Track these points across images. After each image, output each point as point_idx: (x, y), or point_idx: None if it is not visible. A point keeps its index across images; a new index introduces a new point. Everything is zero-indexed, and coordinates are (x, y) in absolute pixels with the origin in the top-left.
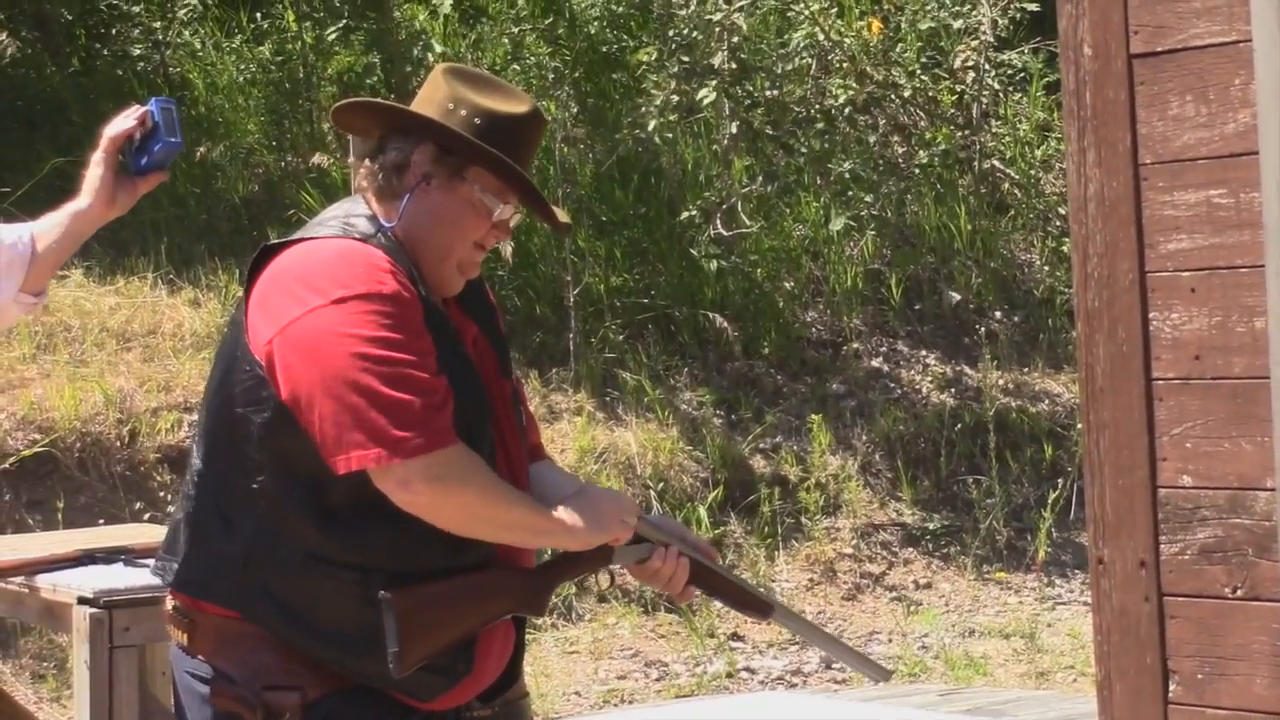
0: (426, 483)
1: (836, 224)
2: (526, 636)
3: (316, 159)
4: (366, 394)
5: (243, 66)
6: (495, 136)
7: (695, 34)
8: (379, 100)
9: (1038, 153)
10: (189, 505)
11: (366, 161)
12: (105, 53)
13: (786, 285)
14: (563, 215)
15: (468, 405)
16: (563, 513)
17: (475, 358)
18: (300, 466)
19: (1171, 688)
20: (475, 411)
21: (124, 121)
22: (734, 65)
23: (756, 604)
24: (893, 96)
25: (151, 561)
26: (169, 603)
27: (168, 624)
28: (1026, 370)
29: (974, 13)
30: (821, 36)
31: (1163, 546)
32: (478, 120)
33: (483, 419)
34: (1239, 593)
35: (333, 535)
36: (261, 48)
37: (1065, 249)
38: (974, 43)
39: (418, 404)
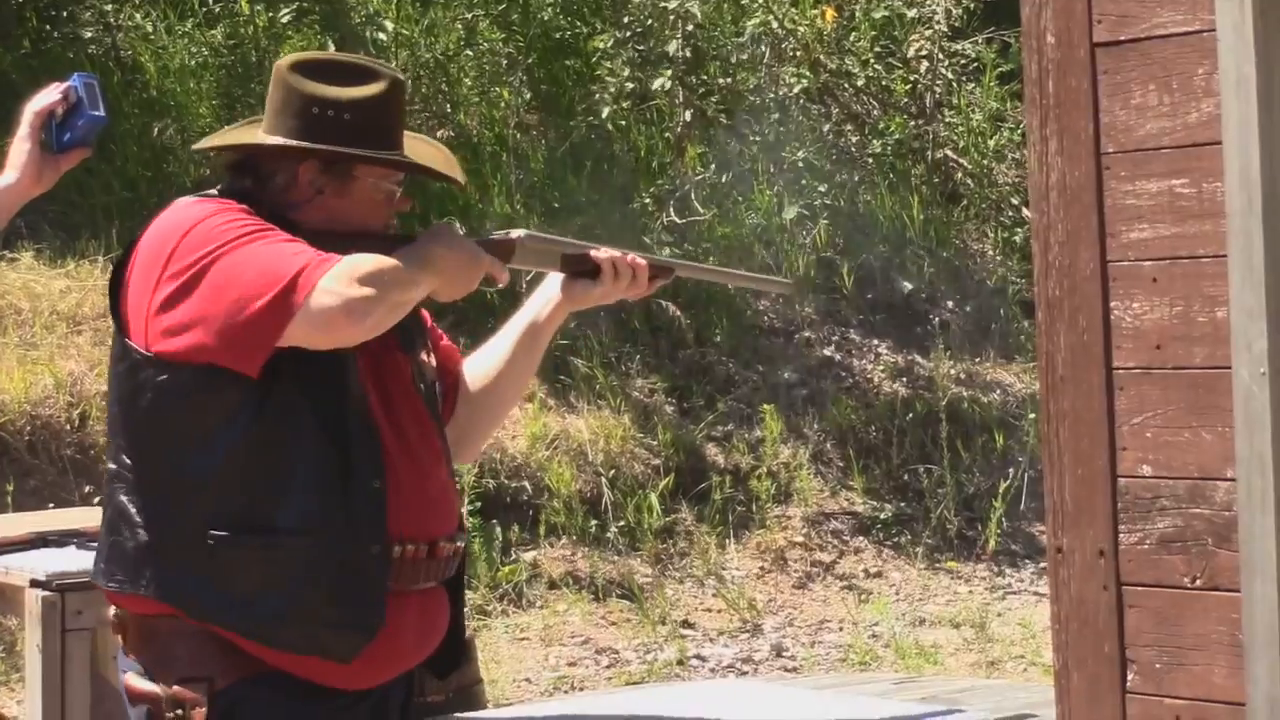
0: (354, 284)
1: (789, 213)
2: (477, 623)
3: None
4: (260, 255)
5: (195, 50)
6: (367, 124)
7: (650, 21)
8: (253, 144)
9: (990, 143)
10: (105, 505)
11: (249, 182)
12: (56, 35)
13: None
14: (455, 170)
15: (333, 381)
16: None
17: None
18: (189, 435)
19: (1129, 677)
20: (339, 379)
21: (46, 97)
22: (688, 53)
23: (663, 270)
24: (846, 85)
25: None
26: (110, 608)
27: (111, 630)
28: (978, 360)
29: (928, 2)
30: (775, 24)
31: (1121, 536)
32: (347, 116)
33: (346, 382)
34: (1198, 582)
35: (229, 499)
36: (214, 31)
37: (1017, 239)
38: (928, 32)
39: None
